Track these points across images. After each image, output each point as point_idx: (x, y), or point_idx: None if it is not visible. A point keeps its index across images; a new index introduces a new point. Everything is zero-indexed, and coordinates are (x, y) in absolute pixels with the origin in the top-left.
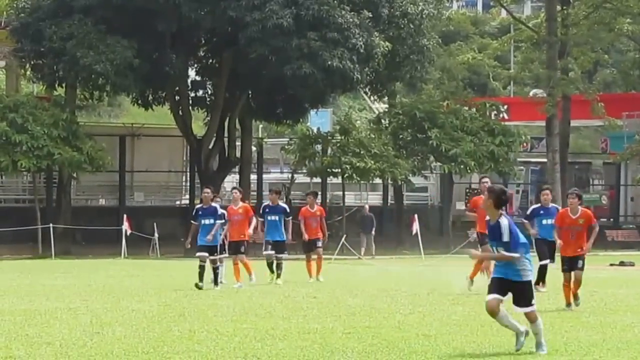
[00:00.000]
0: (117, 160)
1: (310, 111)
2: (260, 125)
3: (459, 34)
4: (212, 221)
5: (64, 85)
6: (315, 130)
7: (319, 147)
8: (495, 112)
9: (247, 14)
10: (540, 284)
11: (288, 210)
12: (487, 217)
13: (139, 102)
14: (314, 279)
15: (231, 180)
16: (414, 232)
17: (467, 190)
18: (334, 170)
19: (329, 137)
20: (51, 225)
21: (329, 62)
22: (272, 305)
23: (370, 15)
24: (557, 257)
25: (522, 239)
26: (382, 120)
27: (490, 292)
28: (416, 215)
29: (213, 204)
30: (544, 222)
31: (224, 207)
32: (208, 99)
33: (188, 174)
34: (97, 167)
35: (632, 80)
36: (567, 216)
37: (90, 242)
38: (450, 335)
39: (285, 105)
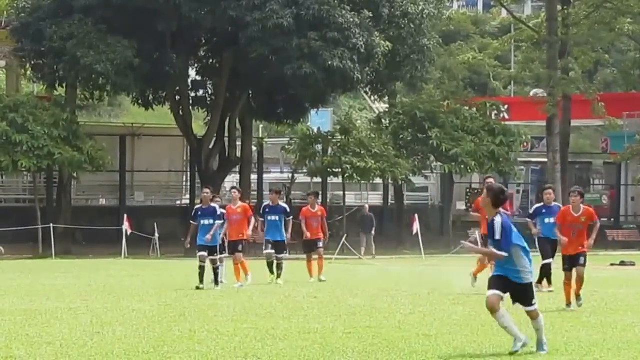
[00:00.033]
0: (117, 160)
1: (310, 111)
2: (261, 125)
3: (460, 34)
4: (211, 221)
5: (64, 85)
6: (315, 130)
7: (319, 147)
8: (495, 112)
9: (247, 14)
10: (546, 283)
11: (288, 210)
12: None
13: (140, 102)
14: (315, 278)
15: (232, 180)
16: (415, 232)
17: (468, 190)
18: (334, 170)
19: (330, 137)
20: (52, 225)
21: (330, 62)
22: (272, 305)
23: (371, 15)
24: (558, 256)
25: (521, 241)
26: (383, 120)
27: (490, 287)
28: (417, 215)
29: (212, 204)
30: (547, 221)
31: (224, 207)
32: (208, 99)
33: (188, 173)
34: (98, 167)
35: (632, 80)
36: (569, 214)
37: (91, 242)
38: (450, 335)
39: (285, 105)
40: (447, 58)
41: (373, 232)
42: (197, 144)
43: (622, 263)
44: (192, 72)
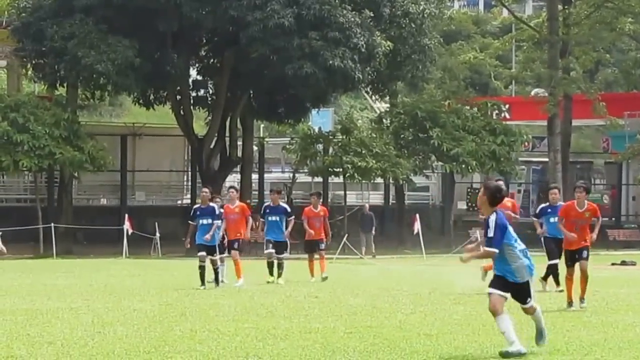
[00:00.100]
0: (118, 159)
1: (311, 111)
2: (262, 125)
3: (461, 34)
4: (210, 221)
5: (65, 84)
6: (316, 130)
7: (320, 147)
8: (496, 111)
9: (248, 14)
10: (552, 281)
11: (289, 210)
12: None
13: (141, 101)
14: (316, 278)
15: (232, 180)
16: (416, 231)
17: (469, 190)
18: (335, 169)
19: (331, 137)
20: (52, 224)
21: (331, 62)
22: (273, 305)
23: (372, 15)
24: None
25: (516, 240)
26: (384, 120)
27: (492, 285)
28: (417, 215)
29: (211, 204)
30: (552, 220)
31: (223, 207)
32: (209, 99)
33: (189, 173)
34: (99, 166)
35: (633, 80)
36: (573, 209)
37: (92, 241)
38: (451, 334)
39: (286, 105)
40: (448, 58)
41: (373, 232)
42: (198, 144)
43: (623, 263)
44: (193, 72)
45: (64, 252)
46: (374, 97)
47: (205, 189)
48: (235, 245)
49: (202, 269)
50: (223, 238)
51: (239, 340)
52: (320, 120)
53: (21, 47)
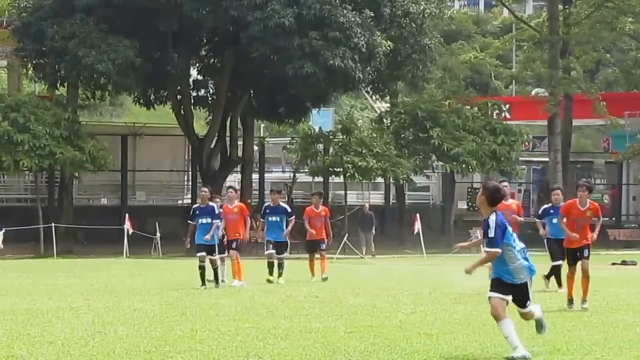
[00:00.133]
0: (119, 159)
1: (312, 110)
2: (262, 125)
3: (461, 33)
4: (209, 220)
5: (65, 84)
6: (317, 130)
7: (320, 147)
8: (497, 111)
9: (248, 14)
10: (554, 281)
11: (289, 210)
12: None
13: (141, 101)
14: (316, 278)
15: (233, 180)
16: (416, 231)
17: (469, 190)
18: (335, 169)
19: (331, 137)
20: (53, 224)
21: (331, 62)
22: (274, 305)
23: (372, 15)
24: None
25: (514, 241)
26: (384, 120)
27: (492, 289)
28: (418, 215)
29: (211, 203)
30: (555, 221)
31: (222, 207)
32: (210, 98)
33: (190, 173)
34: (99, 166)
35: (634, 80)
36: (575, 207)
37: (92, 241)
38: (452, 334)
39: (287, 105)
40: (449, 57)
41: (373, 231)
42: (198, 144)
43: (624, 262)
44: (194, 72)
45: (65, 252)
46: (374, 97)
47: (205, 189)
48: (234, 245)
49: (202, 269)
50: (223, 237)
51: (239, 340)
52: (321, 120)
53: (22, 47)
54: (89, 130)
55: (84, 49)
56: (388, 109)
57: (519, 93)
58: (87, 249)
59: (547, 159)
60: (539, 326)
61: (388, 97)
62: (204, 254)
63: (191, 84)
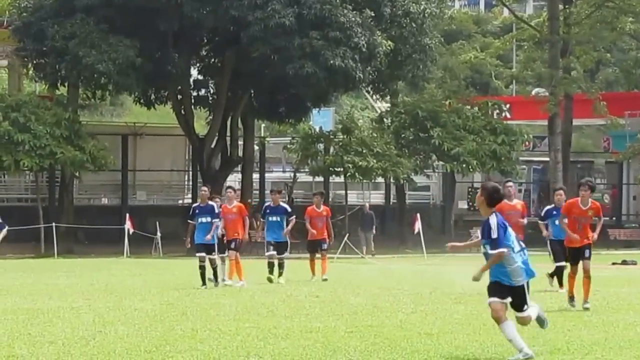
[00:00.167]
0: (119, 159)
1: (312, 110)
2: (263, 125)
3: (461, 33)
4: (208, 219)
5: (66, 84)
6: (317, 129)
7: (321, 146)
8: (497, 111)
9: (249, 13)
10: (558, 285)
11: (289, 210)
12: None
13: (142, 101)
14: (317, 277)
15: (233, 180)
16: (416, 230)
17: (470, 190)
18: (336, 169)
19: (332, 136)
20: (54, 224)
21: (331, 61)
22: (274, 304)
23: (373, 15)
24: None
25: (512, 242)
26: (385, 119)
27: (490, 294)
28: (418, 214)
29: (210, 202)
30: (558, 222)
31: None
32: (210, 98)
33: (190, 173)
34: (100, 166)
35: (634, 79)
36: (577, 206)
37: (93, 241)
38: (452, 334)
39: (287, 105)
40: (449, 57)
41: (374, 231)
42: (199, 143)
43: (624, 262)
44: (194, 72)
45: (65, 252)
46: (374, 97)
47: (204, 187)
48: (232, 246)
49: (202, 268)
50: (223, 237)
51: (240, 340)
52: (321, 119)
53: (22, 47)
54: (90, 130)
55: (85, 49)
56: (388, 109)
57: (520, 93)
58: (88, 248)
59: (547, 159)
60: (541, 322)
61: (388, 97)
62: (203, 254)
63: (192, 83)
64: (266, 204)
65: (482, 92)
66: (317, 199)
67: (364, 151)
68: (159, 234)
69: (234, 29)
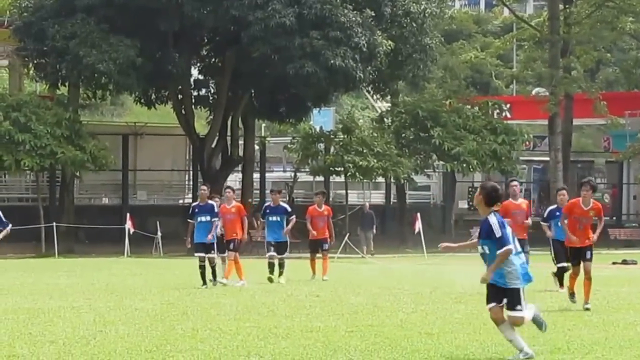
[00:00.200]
0: (120, 159)
1: (312, 110)
2: (263, 124)
3: (462, 33)
4: (208, 218)
5: (67, 84)
6: (318, 129)
7: (321, 146)
8: (497, 110)
9: (249, 13)
10: (558, 285)
11: (289, 210)
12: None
13: (142, 101)
14: (318, 276)
15: (234, 179)
16: (417, 230)
17: (470, 189)
18: (336, 169)
19: (332, 136)
20: (54, 224)
21: (332, 61)
22: (274, 304)
23: (373, 14)
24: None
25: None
26: (385, 119)
27: (488, 301)
28: (419, 214)
29: (210, 202)
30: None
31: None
32: (211, 98)
33: (191, 172)
34: (100, 166)
35: (634, 79)
36: (578, 206)
37: (94, 240)
38: (452, 333)
39: (288, 104)
40: (449, 57)
41: (374, 230)
42: (199, 143)
43: (624, 262)
44: (195, 71)
45: (66, 251)
46: (375, 97)
47: (204, 187)
48: (231, 246)
49: (202, 268)
50: (222, 236)
51: (240, 339)
52: (322, 119)
53: (23, 47)
54: (90, 129)
55: (85, 49)
56: (389, 109)
57: (520, 92)
58: (89, 248)
59: (547, 159)
60: (539, 324)
61: (389, 97)
62: (202, 254)
63: (192, 83)
64: (266, 203)
65: (483, 92)
66: (318, 198)
67: (365, 151)
68: (159, 233)
69: (235, 28)
